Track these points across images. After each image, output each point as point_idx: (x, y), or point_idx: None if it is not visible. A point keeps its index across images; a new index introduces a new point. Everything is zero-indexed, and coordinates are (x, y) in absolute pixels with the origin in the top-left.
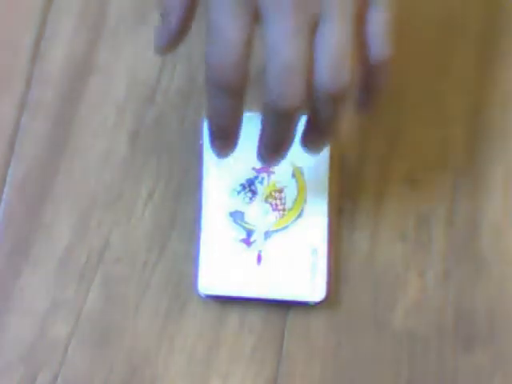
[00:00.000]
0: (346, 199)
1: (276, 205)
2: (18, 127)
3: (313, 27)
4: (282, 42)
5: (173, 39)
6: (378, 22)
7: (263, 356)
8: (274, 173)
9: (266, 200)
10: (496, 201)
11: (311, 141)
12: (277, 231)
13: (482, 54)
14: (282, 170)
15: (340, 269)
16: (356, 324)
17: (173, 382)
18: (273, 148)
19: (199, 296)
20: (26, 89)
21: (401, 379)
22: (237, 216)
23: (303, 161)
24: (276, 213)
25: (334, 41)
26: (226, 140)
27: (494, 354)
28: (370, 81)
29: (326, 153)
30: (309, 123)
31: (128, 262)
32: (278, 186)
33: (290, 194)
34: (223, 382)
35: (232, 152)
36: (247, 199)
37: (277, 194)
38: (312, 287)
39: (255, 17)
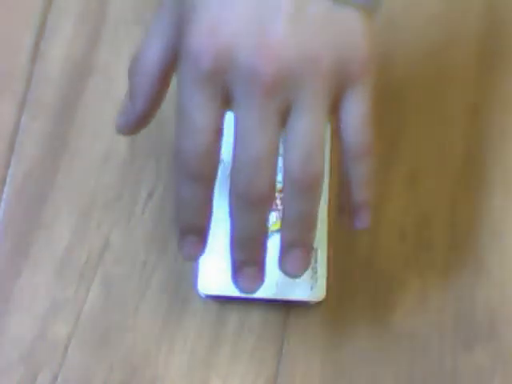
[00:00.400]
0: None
1: (276, 205)
2: (17, 127)
3: (284, 115)
4: (251, 133)
5: (135, 123)
6: (354, 115)
7: (263, 356)
8: None
9: None
10: (496, 201)
11: (288, 250)
12: (277, 231)
13: (482, 54)
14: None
15: (340, 269)
16: (356, 324)
17: (173, 382)
18: (244, 245)
19: (199, 296)
20: (25, 89)
21: (401, 379)
22: None
23: None
24: (276, 213)
25: (305, 132)
26: (195, 236)
27: (494, 354)
28: (350, 175)
29: (326, 152)
30: (283, 223)
31: (128, 262)
32: (278, 186)
33: None
34: (223, 382)
35: (202, 253)
36: None
37: (276, 194)
38: (312, 287)
39: (226, 102)
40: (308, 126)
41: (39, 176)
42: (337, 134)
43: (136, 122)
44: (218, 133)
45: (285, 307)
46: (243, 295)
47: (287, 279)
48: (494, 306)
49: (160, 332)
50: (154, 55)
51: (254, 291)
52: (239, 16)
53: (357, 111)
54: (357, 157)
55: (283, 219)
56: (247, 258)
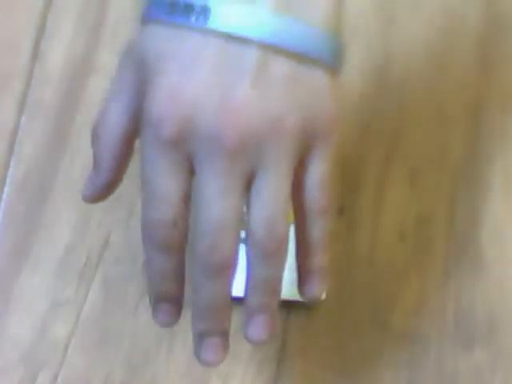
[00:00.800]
0: (346, 199)
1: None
2: (17, 127)
3: (249, 178)
4: (214, 199)
5: (100, 192)
6: (315, 174)
7: (263, 356)
8: None
9: None
10: (496, 201)
11: (252, 315)
12: None
13: (482, 54)
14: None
15: (340, 269)
16: (356, 324)
17: (172, 382)
18: (207, 315)
19: None
20: (25, 89)
21: (401, 379)
22: None
23: None
24: None
25: (269, 196)
26: (169, 304)
27: (494, 354)
28: (305, 237)
29: None
30: (247, 287)
31: (128, 262)
32: None
33: None
34: (223, 382)
35: (177, 320)
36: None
37: None
38: None
39: (191, 170)
40: (272, 189)
41: (39, 176)
42: (294, 192)
43: (101, 191)
44: (185, 200)
45: (285, 307)
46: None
47: (287, 279)
48: (494, 306)
49: (160, 332)
50: (114, 121)
51: (217, 363)
52: (200, 81)
53: (318, 170)
54: (314, 216)
55: (247, 283)
56: (210, 329)
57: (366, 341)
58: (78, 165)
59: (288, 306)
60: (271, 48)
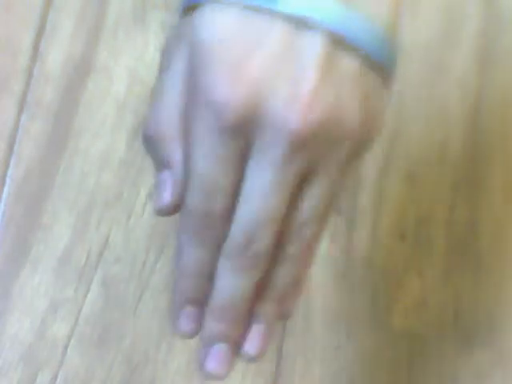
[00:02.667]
0: (346, 199)
1: None
2: (17, 127)
3: (301, 179)
4: (264, 191)
5: (178, 197)
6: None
7: (263, 356)
8: None
9: None
10: (496, 201)
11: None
12: None
13: (482, 53)
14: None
15: (340, 269)
16: (356, 324)
17: (172, 382)
18: (224, 315)
19: None
20: (25, 89)
21: (401, 379)
22: None
23: None
24: None
25: (321, 198)
26: (194, 308)
27: (494, 354)
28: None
29: None
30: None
31: (127, 262)
32: None
33: None
34: (223, 382)
35: (199, 329)
36: None
37: None
38: None
39: (244, 160)
40: (323, 196)
41: (39, 176)
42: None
43: (179, 195)
44: (236, 192)
45: None
46: None
47: None
48: (494, 306)
49: (159, 331)
50: (172, 114)
51: (220, 377)
52: (266, 66)
53: (324, 193)
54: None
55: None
56: (225, 332)
57: (366, 341)
58: (78, 165)
59: None
60: (339, 40)
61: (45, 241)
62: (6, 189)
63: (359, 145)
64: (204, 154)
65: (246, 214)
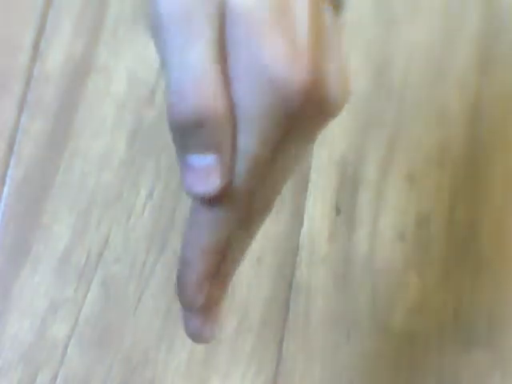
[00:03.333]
0: (346, 199)
1: None
2: (17, 127)
3: None
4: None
5: (213, 196)
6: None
7: (262, 356)
8: None
9: None
10: (496, 201)
11: None
12: None
13: (482, 54)
14: None
15: (340, 269)
16: (356, 324)
17: (172, 382)
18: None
19: None
20: (25, 89)
21: (401, 379)
22: None
23: None
24: None
25: None
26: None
27: (494, 354)
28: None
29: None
30: None
31: (127, 262)
32: None
33: None
34: (222, 382)
35: (215, 334)
36: None
37: None
38: None
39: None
40: None
41: (39, 176)
42: None
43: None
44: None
45: (285, 307)
46: None
47: None
48: (494, 306)
49: (159, 331)
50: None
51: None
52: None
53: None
54: None
55: None
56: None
57: (366, 341)
58: (78, 165)
59: (288, 305)
60: None
61: (45, 241)
62: (5, 189)
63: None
64: (265, 136)
65: None
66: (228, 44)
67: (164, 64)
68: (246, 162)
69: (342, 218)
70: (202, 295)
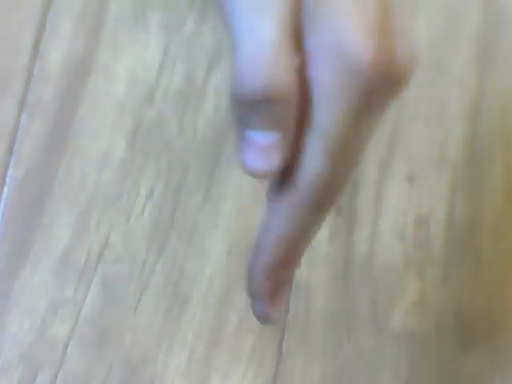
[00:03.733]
0: (346, 199)
1: None
2: (17, 127)
3: None
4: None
5: (272, 175)
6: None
7: (262, 356)
8: None
9: None
10: (496, 201)
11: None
12: None
13: (482, 53)
14: None
15: (340, 269)
16: (356, 324)
17: (172, 382)
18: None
19: None
20: (25, 89)
21: (401, 379)
22: None
23: None
24: None
25: None
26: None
27: (494, 354)
28: None
29: None
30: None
31: (127, 262)
32: None
33: None
34: (222, 382)
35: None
36: None
37: None
38: None
39: None
40: None
41: (39, 176)
42: None
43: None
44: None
45: (284, 307)
46: None
47: None
48: (494, 306)
49: (159, 331)
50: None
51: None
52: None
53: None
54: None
55: None
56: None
57: (366, 341)
58: (78, 165)
59: (287, 305)
60: None
61: (45, 241)
62: (5, 189)
63: None
64: (342, 117)
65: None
66: (302, 17)
67: (233, 35)
68: (322, 141)
69: (341, 218)
70: (270, 282)
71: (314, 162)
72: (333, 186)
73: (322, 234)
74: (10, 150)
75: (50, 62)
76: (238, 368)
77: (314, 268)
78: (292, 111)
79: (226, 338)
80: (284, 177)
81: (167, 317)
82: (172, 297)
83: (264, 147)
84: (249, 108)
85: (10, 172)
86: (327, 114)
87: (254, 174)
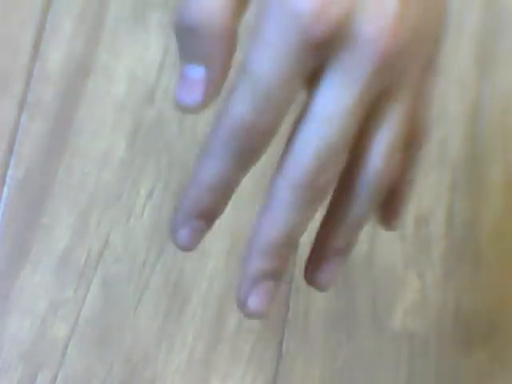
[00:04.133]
0: None
1: None
2: (17, 127)
3: (377, 103)
4: (338, 115)
5: (209, 95)
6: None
7: (262, 356)
8: None
9: None
10: (496, 201)
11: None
12: None
13: (482, 53)
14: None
15: None
16: (356, 324)
17: (172, 382)
18: (275, 251)
19: None
20: (25, 89)
21: (401, 379)
22: None
23: None
24: None
25: (395, 128)
26: (202, 223)
27: (494, 354)
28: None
29: None
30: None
31: (127, 262)
32: None
33: None
34: (222, 382)
35: (198, 243)
36: None
37: None
38: None
39: (309, 79)
40: (402, 117)
41: (39, 176)
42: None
43: (211, 93)
44: (287, 111)
45: (284, 307)
46: None
47: None
48: (494, 306)
49: (159, 332)
50: (218, 4)
51: (261, 314)
52: None
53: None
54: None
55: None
56: (272, 268)
57: (366, 341)
58: (78, 165)
59: (287, 305)
60: None
61: (45, 241)
62: (5, 189)
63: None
64: (272, 60)
65: (316, 138)
66: None
67: None
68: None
69: None
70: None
71: (233, 104)
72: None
73: None
74: (10, 150)
75: (50, 62)
76: (238, 368)
77: None
78: (220, 49)
79: (226, 338)
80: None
81: (167, 317)
82: (172, 297)
83: (193, 81)
84: (183, 38)
85: (10, 172)
86: (255, 59)
87: (182, 109)
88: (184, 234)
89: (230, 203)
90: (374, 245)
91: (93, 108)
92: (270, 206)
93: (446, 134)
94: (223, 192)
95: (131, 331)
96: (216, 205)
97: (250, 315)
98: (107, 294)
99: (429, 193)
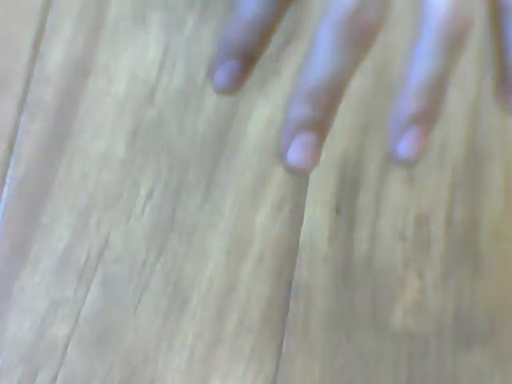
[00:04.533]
0: (345, 199)
1: None
2: (17, 127)
3: None
4: None
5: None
6: None
7: (262, 356)
8: None
9: None
10: (496, 201)
11: (407, 127)
12: None
13: (482, 53)
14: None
15: (340, 269)
16: (356, 324)
17: (172, 382)
18: (317, 95)
19: None
20: (25, 89)
21: (401, 379)
22: None
23: None
24: None
25: None
26: (241, 62)
27: (494, 354)
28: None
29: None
30: (404, 91)
31: (127, 262)
32: None
33: None
34: (222, 382)
35: (239, 88)
36: None
37: None
38: None
39: None
40: None
41: (39, 176)
42: None
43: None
44: None
45: (285, 307)
46: None
47: None
48: (494, 306)
49: (159, 331)
50: None
51: (306, 172)
52: None
53: None
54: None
55: (405, 86)
56: (312, 117)
57: (366, 340)
58: (78, 165)
59: (287, 305)
60: None
61: (45, 240)
62: (5, 189)
63: None
64: None
65: None
66: None
67: None
68: None
69: (341, 218)
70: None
71: None
72: None
73: (322, 234)
74: (10, 150)
75: (50, 62)
76: (238, 368)
77: (314, 268)
78: None
79: (226, 337)
80: None
81: (167, 317)
82: (172, 297)
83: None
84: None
85: (10, 172)
86: None
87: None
88: (221, 74)
89: (230, 203)
90: (374, 245)
91: (93, 108)
92: (311, 51)
93: (446, 134)
94: (261, 33)
95: (131, 331)
96: (253, 45)
97: (289, 169)
98: (107, 294)
99: (429, 193)
